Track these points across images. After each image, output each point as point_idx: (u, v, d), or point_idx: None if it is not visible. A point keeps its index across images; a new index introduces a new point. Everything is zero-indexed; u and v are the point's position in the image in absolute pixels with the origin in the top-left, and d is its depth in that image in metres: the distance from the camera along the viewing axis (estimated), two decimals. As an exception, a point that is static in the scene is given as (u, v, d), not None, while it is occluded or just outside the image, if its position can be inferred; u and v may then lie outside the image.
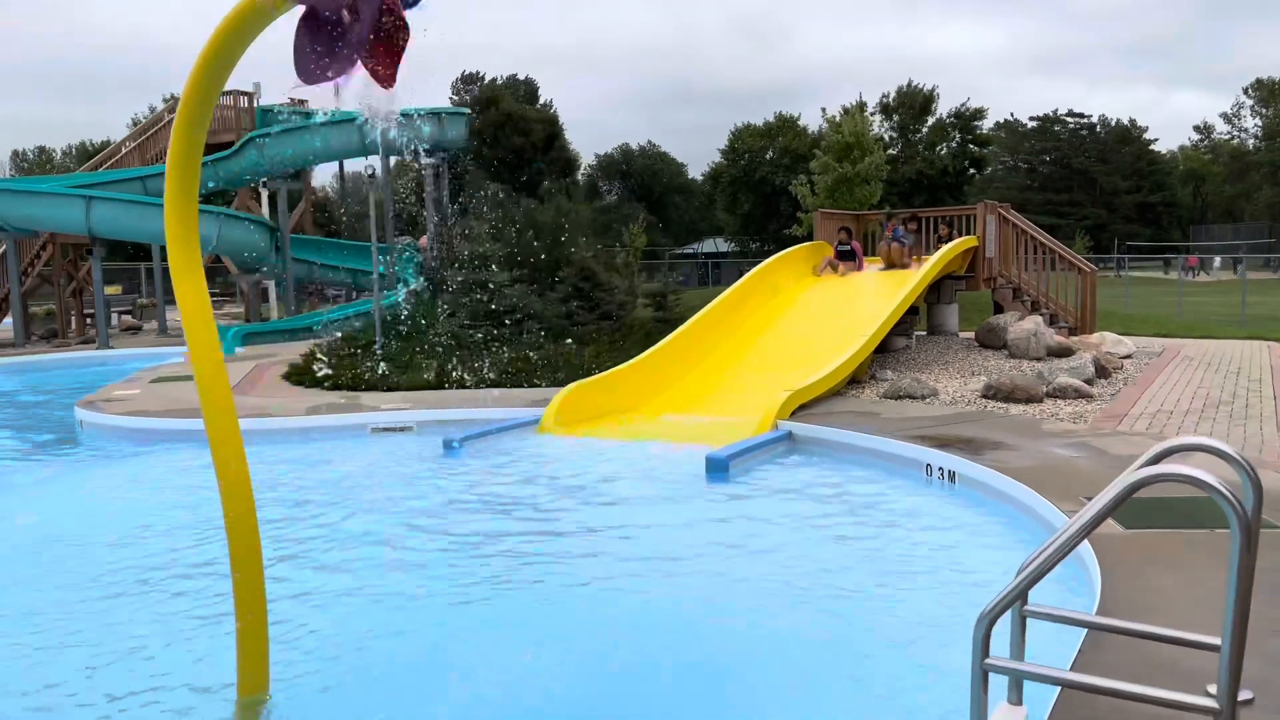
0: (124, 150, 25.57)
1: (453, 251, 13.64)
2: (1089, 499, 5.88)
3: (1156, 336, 18.30)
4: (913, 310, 13.45)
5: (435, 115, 22.31)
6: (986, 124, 62.38)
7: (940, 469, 7.29)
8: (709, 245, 74.10)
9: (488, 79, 74.85)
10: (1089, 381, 10.72)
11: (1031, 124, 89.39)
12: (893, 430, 8.32)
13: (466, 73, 76.17)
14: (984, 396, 9.85)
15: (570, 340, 13.34)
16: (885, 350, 13.21)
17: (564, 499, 7.36)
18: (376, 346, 13.10)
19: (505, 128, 50.80)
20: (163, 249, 24.35)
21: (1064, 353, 12.82)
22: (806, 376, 10.03)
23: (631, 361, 11.25)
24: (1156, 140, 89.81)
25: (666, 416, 10.33)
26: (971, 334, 14.40)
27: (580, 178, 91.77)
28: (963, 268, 14.76)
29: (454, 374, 12.03)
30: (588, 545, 6.28)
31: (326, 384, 12.30)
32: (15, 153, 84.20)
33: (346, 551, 6.18)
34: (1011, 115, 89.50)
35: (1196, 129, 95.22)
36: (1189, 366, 12.76)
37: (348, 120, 21.60)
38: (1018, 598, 3.19)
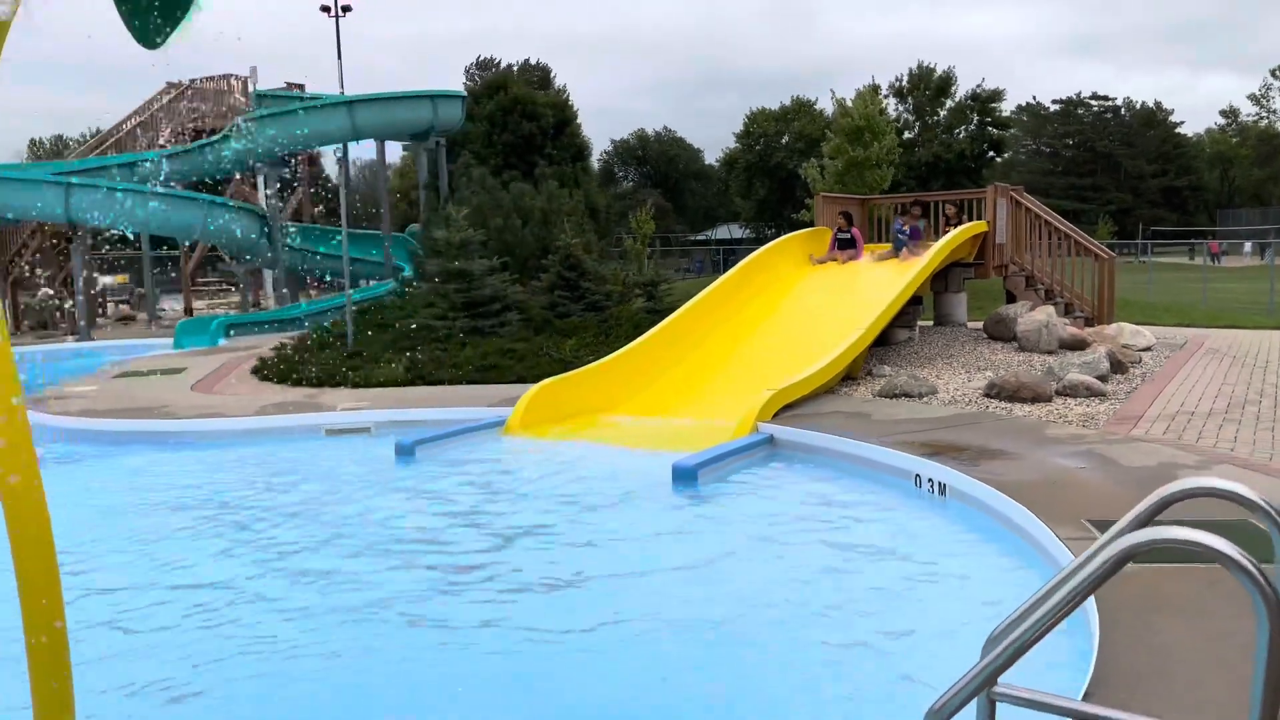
0: (113, 138, 25.04)
1: (432, 239, 12.95)
2: (1092, 523, 5.13)
3: (1179, 326, 17.41)
4: (916, 300, 12.65)
5: (429, 98, 21.66)
6: (1008, 107, 61.14)
7: (930, 480, 6.54)
8: (723, 232, 73.07)
9: (503, 64, 74.15)
10: (1103, 378, 9.91)
11: (1054, 107, 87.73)
12: (882, 434, 7.57)
13: (482, 58, 75.54)
14: (986, 395, 9.06)
15: (548, 333, 12.62)
16: (886, 343, 12.42)
17: (514, 511, 6.66)
18: (348, 340, 12.45)
19: (514, 113, 49.97)
20: (152, 237, 23.87)
21: (1078, 345, 11.99)
22: (798, 373, 9.28)
23: (609, 357, 10.54)
24: (1183, 123, 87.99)
25: (644, 418, 9.62)
26: (981, 325, 13.58)
27: (596, 164, 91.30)
28: (971, 254, 13.93)
29: (426, 369, 11.36)
30: (529, 565, 5.58)
31: (292, 380, 11.66)
32: (32, 141, 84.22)
33: (263, 566, 5.52)
34: (1034, 98, 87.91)
35: (1223, 113, 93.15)
36: (1212, 360, 11.90)
37: (336, 104, 20.98)
38: (976, 691, 2.45)
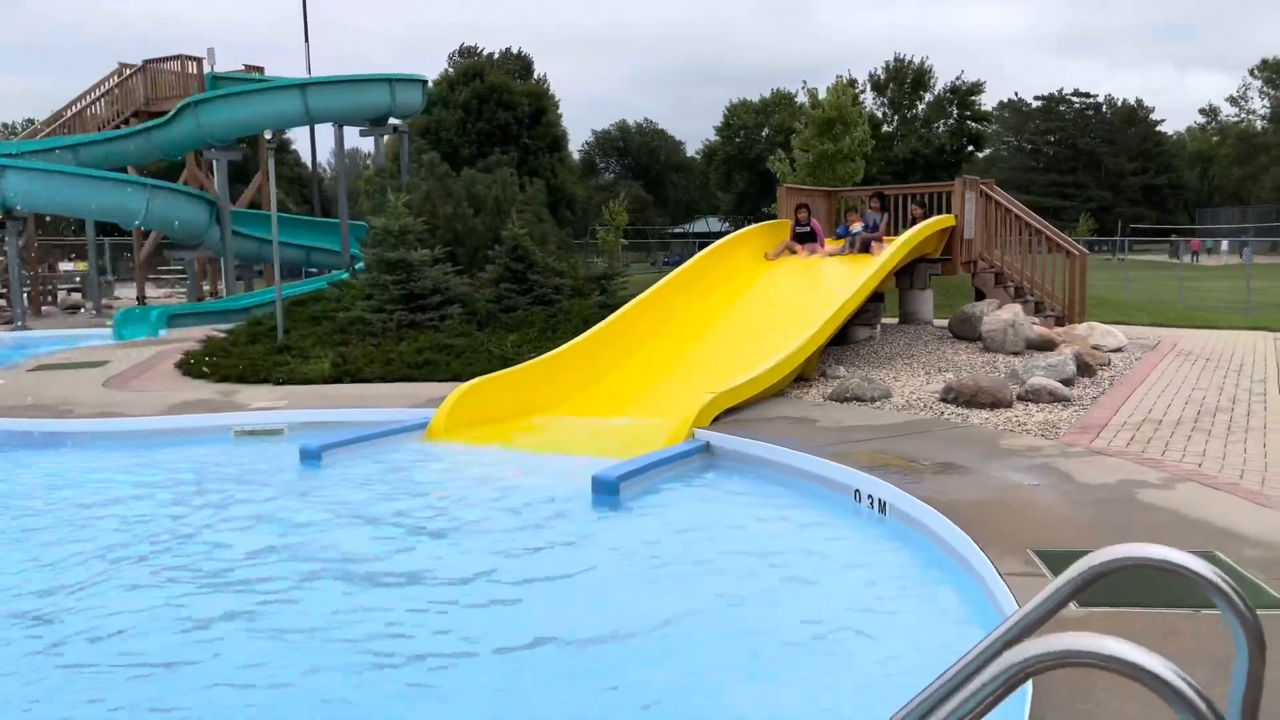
0: (60, 120, 24.16)
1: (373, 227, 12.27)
2: (1039, 555, 4.54)
3: (1153, 326, 16.93)
4: (878, 297, 12.07)
5: (386, 81, 20.92)
6: (991, 103, 60.81)
7: (870, 497, 5.94)
8: (701, 226, 72.49)
9: (484, 52, 73.18)
10: (1068, 382, 9.35)
11: (1036, 103, 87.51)
12: (826, 443, 6.97)
13: (464, 45, 74.53)
14: (943, 400, 8.48)
15: (492, 328, 11.97)
16: (845, 342, 11.85)
17: (414, 526, 6.02)
18: (279, 334, 11.76)
19: (490, 101, 49.18)
20: (99, 224, 23.04)
21: (1046, 346, 11.44)
22: (745, 374, 8.67)
23: (547, 355, 9.90)
24: (1164, 121, 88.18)
25: (584, 418, 8.99)
26: (947, 323, 13.02)
27: (577, 154, 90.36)
28: (938, 249, 13.36)
29: (356, 365, 10.69)
30: (416, 588, 4.95)
31: (215, 376, 10.97)
32: (4, 126, 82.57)
33: (112, 580, 4.87)
34: (1016, 94, 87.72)
35: (1203, 111, 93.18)
36: (1185, 362, 11.39)
37: (288, 86, 20.22)
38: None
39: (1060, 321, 13.92)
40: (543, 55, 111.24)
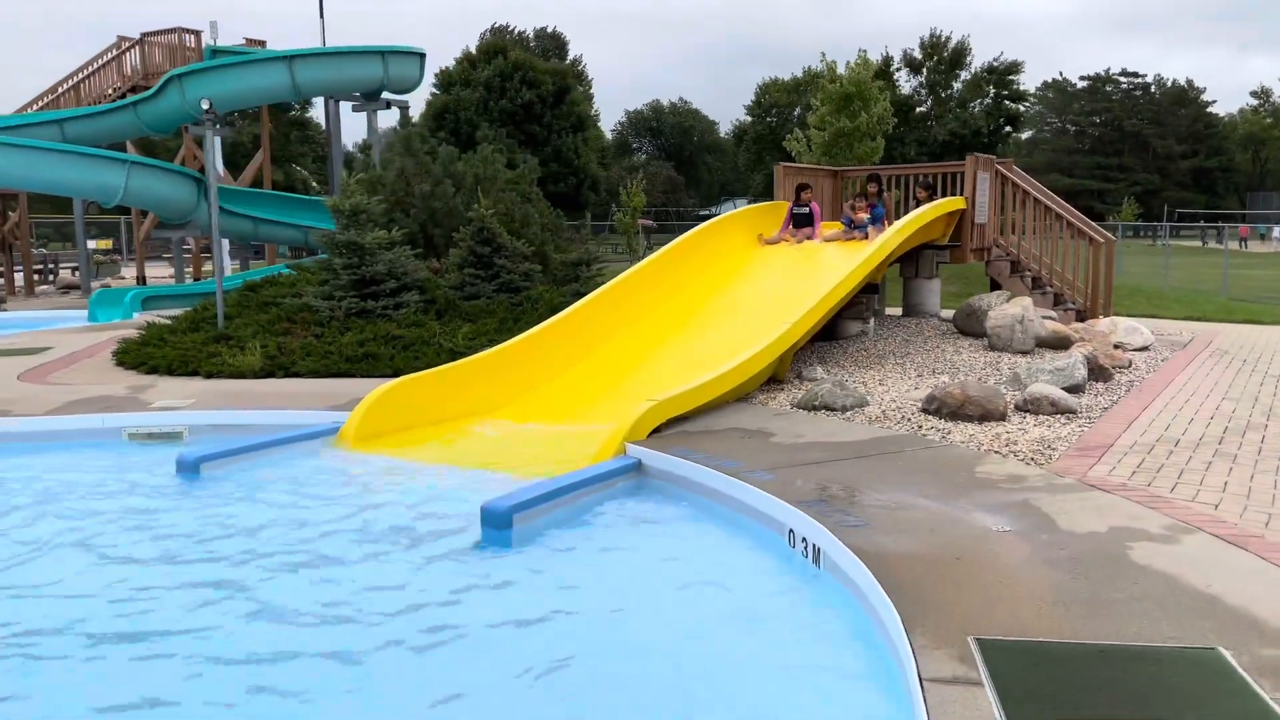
0: (57, 94, 23.51)
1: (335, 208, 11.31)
2: (981, 646, 3.48)
3: (1188, 320, 15.59)
4: (872, 288, 10.92)
5: (379, 54, 19.96)
6: (1033, 83, 58.68)
7: (804, 541, 4.88)
8: (730, 207, 71.13)
9: (516, 31, 72.15)
10: (1075, 389, 8.19)
11: (1081, 84, 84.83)
12: (772, 464, 5.91)
13: (496, 24, 73.55)
14: (925, 411, 7.36)
15: (450, 317, 10.99)
16: (835, 337, 10.73)
17: (273, 558, 5.06)
18: (219, 322, 10.87)
19: (513, 79, 48.16)
20: (85, 202, 22.39)
21: (1060, 344, 10.26)
22: (694, 380, 7.61)
23: (489, 351, 8.90)
24: (1214, 103, 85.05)
25: (522, 427, 8.01)
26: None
27: (610, 135, 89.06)
28: (945, 235, 12.16)
29: (291, 357, 9.77)
30: (249, 635, 4.03)
31: (144, 367, 10.12)
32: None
33: None
34: (1060, 74, 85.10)
35: (1254, 94, 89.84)
36: (1217, 365, 10.14)
37: (276, 58, 19.33)
38: None
39: (1082, 316, 12.68)
40: (583, 34, 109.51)
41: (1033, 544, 4.42)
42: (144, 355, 10.29)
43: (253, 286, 12.32)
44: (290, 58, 19.26)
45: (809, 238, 11.84)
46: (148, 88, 22.70)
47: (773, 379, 8.70)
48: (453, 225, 13.79)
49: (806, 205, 12.05)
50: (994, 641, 3.39)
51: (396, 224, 13.70)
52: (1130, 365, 9.78)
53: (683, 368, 8.73)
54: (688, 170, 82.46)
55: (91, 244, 43.18)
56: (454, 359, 9.26)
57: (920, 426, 6.96)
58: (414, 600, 4.58)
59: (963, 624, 3.55)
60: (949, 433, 6.77)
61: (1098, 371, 8.88)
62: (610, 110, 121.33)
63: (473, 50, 51.47)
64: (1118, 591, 3.84)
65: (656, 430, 6.93)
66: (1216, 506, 5.02)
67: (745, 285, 10.99)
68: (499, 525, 5.29)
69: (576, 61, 75.38)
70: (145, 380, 9.52)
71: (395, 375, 9.20)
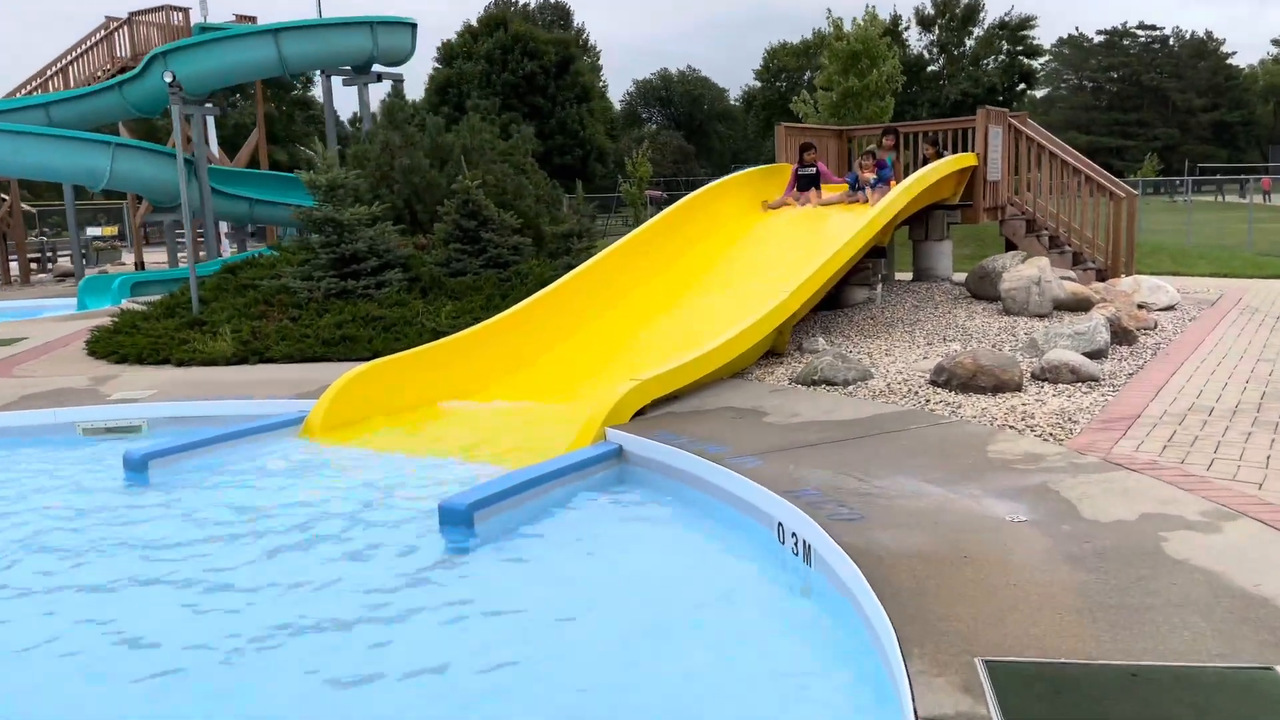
0: (45, 78, 23.04)
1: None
2: (990, 669, 2.95)
3: (1215, 277, 14.89)
4: (879, 252, 10.31)
5: (368, 25, 19.34)
6: (1049, 39, 57.26)
7: (794, 536, 4.35)
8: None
9: (520, 3, 71.08)
10: (1098, 354, 7.60)
11: (1098, 39, 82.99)
12: (764, 448, 5.38)
13: (500, -4, 72.56)
14: (933, 383, 6.79)
15: (435, 295, 10.47)
16: (839, 306, 10.14)
17: (219, 566, 4.57)
18: (193, 306, 10.39)
19: (514, 51, 47.32)
20: (75, 188, 21.96)
21: (1080, 306, 9.66)
22: (682, 357, 7.07)
23: (471, 329, 8.38)
24: (1234, 54, 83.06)
25: (507, 408, 7.50)
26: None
27: (619, 105, 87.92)
28: (957, 194, 11.51)
29: (266, 342, 9.29)
30: (184, 654, 3.54)
31: (114, 356, 9.66)
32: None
33: None
34: (1076, 29, 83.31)
35: (1276, 42, 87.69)
36: (1249, 323, 9.51)
37: (261, 33, 18.75)
38: None
39: (1102, 276, 12.03)
40: (590, 3, 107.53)
41: (1052, 536, 3.88)
42: (115, 344, 9.83)
43: (231, 269, 11.82)
44: (276, 31, 18.67)
45: (808, 201, 11.21)
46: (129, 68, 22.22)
47: (772, 352, 8.15)
48: (437, 199, 13.24)
49: (812, 166, 11.39)
50: (1005, 664, 2.85)
51: (381, 199, 13.19)
52: (1156, 326, 9.17)
53: (677, 342, 8.19)
54: (698, 139, 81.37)
55: (96, 230, 42.90)
56: (437, 339, 8.75)
57: (928, 401, 6.39)
58: (358, 611, 4.08)
59: (968, 641, 3.01)
60: (959, 407, 6.20)
61: (1121, 334, 8.28)
62: (620, 81, 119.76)
63: (474, 23, 50.60)
64: (1151, 596, 3.29)
65: (642, 411, 6.40)
66: (1260, 486, 4.45)
67: (745, 253, 10.40)
68: (458, 524, 4.79)
69: (581, 31, 74.31)
70: (112, 370, 9.07)
71: (374, 358, 8.71)
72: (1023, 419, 5.85)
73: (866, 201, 10.47)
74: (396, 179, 13.09)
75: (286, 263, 11.18)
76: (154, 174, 18.30)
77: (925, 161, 11.51)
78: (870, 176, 10.85)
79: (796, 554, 4.30)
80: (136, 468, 6.07)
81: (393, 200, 13.12)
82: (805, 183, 11.47)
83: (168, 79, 9.95)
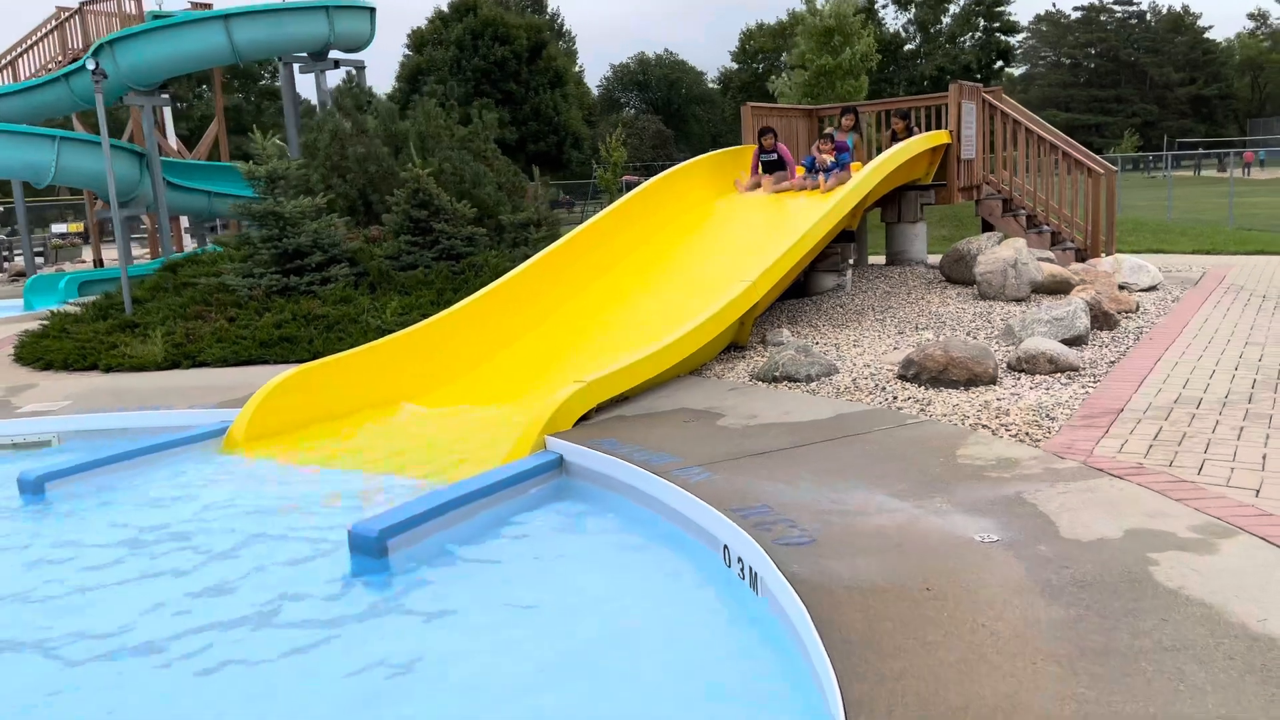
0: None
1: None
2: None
3: (1197, 254, 14.52)
4: (848, 236, 9.83)
5: (323, 9, 18.65)
6: (1025, 17, 56.77)
7: (740, 561, 3.88)
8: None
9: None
10: (1078, 340, 7.16)
11: (1075, 14, 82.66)
12: (715, 456, 4.90)
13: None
14: (901, 378, 6.33)
15: (384, 290, 9.94)
16: (806, 293, 9.67)
17: (108, 600, 4.07)
18: (126, 307, 9.83)
19: (484, 36, 46.53)
20: (24, 185, 21.24)
21: (1059, 289, 9.22)
22: (631, 355, 6.58)
23: (412, 328, 7.85)
24: (1211, 28, 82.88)
25: (442, 413, 6.99)
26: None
27: (596, 89, 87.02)
28: (930, 174, 11.05)
29: (200, 345, 8.75)
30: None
31: (40, 362, 9.10)
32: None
33: None
34: (1054, 5, 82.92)
35: (1252, 16, 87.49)
36: (1234, 303, 9.10)
37: (210, 18, 18.07)
38: None
39: (1082, 256, 11.60)
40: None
41: (1026, 560, 3.41)
42: (42, 349, 9.27)
43: (172, 266, 11.25)
44: (226, 17, 17.97)
45: (779, 183, 10.68)
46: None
47: (734, 345, 7.67)
48: (393, 189, 12.69)
49: (773, 151, 10.85)
50: (970, 736, 2.38)
51: (334, 190, 12.63)
52: (1138, 309, 8.75)
53: (635, 336, 7.72)
54: (677, 123, 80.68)
55: (62, 227, 41.95)
56: (383, 337, 8.23)
57: (895, 397, 5.93)
58: (255, 651, 3.60)
59: (926, 706, 2.54)
60: (929, 404, 5.74)
61: (1101, 319, 7.85)
62: (598, 66, 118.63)
63: (444, 9, 49.73)
64: (1141, 637, 2.83)
65: (589, 415, 5.92)
66: (1257, 493, 4.00)
67: (709, 240, 9.89)
68: (370, 553, 4.29)
69: (555, 16, 73.41)
70: (33, 378, 8.51)
71: (315, 359, 8.18)
72: (997, 416, 5.39)
73: (834, 185, 9.97)
74: (351, 168, 12.52)
75: (228, 259, 10.62)
76: (100, 168, 17.63)
77: (895, 136, 11.03)
78: (828, 159, 10.29)
79: (744, 579, 3.83)
80: (32, 490, 5.55)
81: (345, 190, 12.57)
82: (770, 166, 10.95)
83: (90, 66, 9.34)
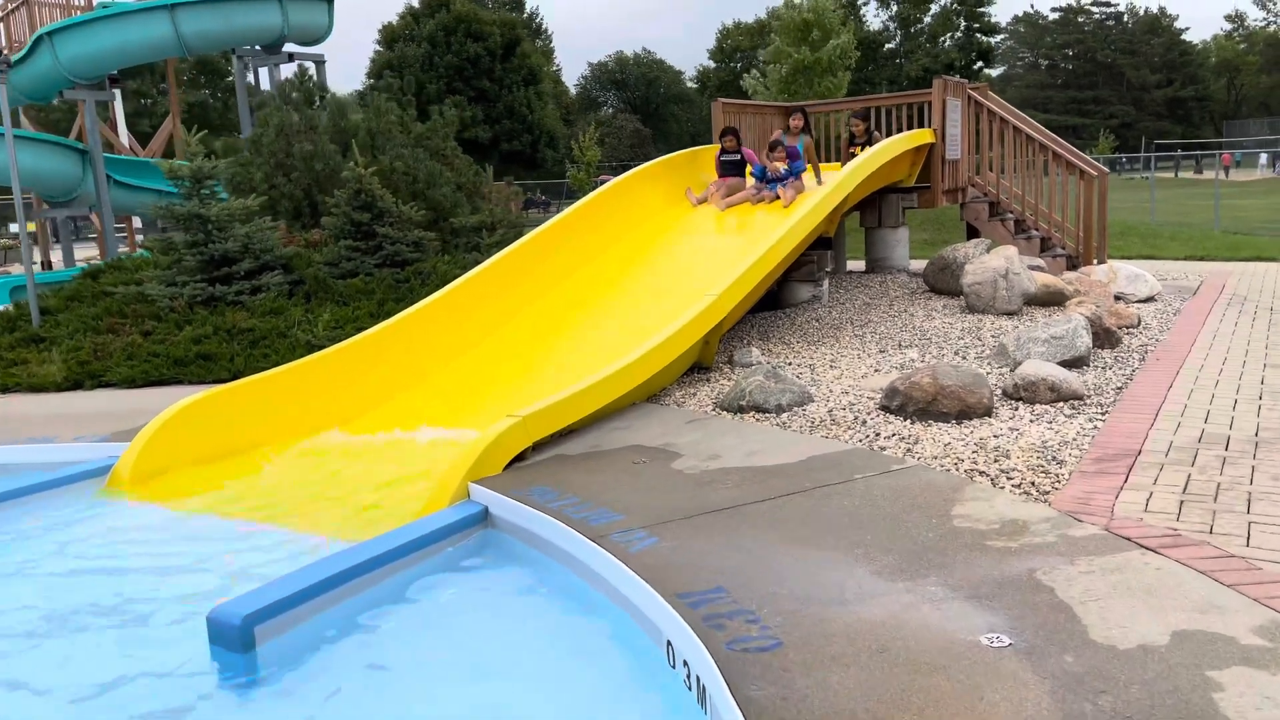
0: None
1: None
2: None
3: (1190, 260, 13.89)
4: (824, 243, 9.06)
5: (276, 0, 17.74)
6: (1004, 18, 56.36)
7: (686, 665, 3.08)
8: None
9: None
10: (1078, 362, 6.43)
11: (1053, 16, 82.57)
12: (662, 515, 4.11)
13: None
14: (884, 409, 5.56)
15: (321, 299, 9.10)
16: (780, 306, 8.91)
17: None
18: (34, 319, 8.94)
19: (457, 33, 45.62)
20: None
21: (1054, 300, 8.50)
22: (575, 385, 5.78)
23: (333, 349, 7.02)
24: (1188, 30, 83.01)
25: (366, 445, 6.18)
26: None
27: (573, 89, 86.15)
28: (912, 176, 10.31)
29: (109, 362, 7.88)
30: None
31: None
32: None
33: None
34: (1032, 7, 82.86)
35: (1229, 18, 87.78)
36: (1241, 315, 8.41)
37: (155, 8, 17.11)
38: None
39: (1073, 263, 10.90)
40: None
41: (1049, 678, 2.64)
42: (-62, 367, 8.36)
43: (93, 273, 10.35)
44: (173, 7, 17.01)
45: (718, 201, 9.76)
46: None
47: (698, 365, 6.89)
48: (333, 189, 11.84)
49: (736, 153, 9.99)
50: None
51: (277, 189, 11.76)
52: (1139, 323, 8.04)
53: (587, 352, 6.95)
54: (655, 122, 80.00)
55: (15, 228, 40.75)
56: (311, 354, 7.38)
57: (878, 434, 5.15)
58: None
59: None
60: (916, 442, 4.96)
61: (1103, 336, 7.13)
62: (576, 64, 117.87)
63: (415, 4, 48.77)
64: (1221, 821, 2.05)
65: (522, 456, 5.11)
66: (1326, 572, 3.25)
67: (672, 249, 9.10)
68: (232, 646, 3.47)
69: (533, 15, 72.60)
70: (-82, 401, 7.61)
71: (236, 379, 7.33)
72: (996, 460, 4.62)
73: (778, 199, 9.15)
74: (296, 166, 11.65)
75: (154, 265, 9.74)
76: (42, 166, 16.67)
77: (853, 140, 10.23)
78: (781, 167, 9.43)
79: (690, 687, 3.04)
80: None
81: (290, 190, 11.69)
82: (729, 169, 10.08)
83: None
